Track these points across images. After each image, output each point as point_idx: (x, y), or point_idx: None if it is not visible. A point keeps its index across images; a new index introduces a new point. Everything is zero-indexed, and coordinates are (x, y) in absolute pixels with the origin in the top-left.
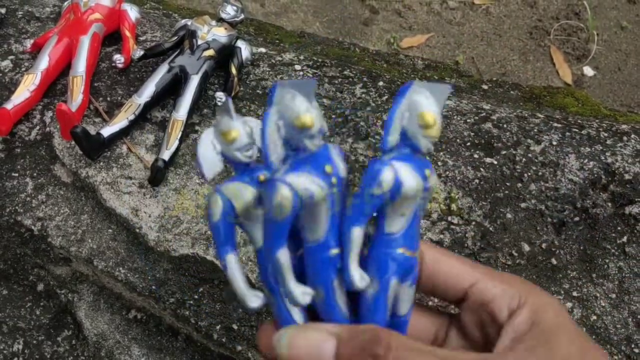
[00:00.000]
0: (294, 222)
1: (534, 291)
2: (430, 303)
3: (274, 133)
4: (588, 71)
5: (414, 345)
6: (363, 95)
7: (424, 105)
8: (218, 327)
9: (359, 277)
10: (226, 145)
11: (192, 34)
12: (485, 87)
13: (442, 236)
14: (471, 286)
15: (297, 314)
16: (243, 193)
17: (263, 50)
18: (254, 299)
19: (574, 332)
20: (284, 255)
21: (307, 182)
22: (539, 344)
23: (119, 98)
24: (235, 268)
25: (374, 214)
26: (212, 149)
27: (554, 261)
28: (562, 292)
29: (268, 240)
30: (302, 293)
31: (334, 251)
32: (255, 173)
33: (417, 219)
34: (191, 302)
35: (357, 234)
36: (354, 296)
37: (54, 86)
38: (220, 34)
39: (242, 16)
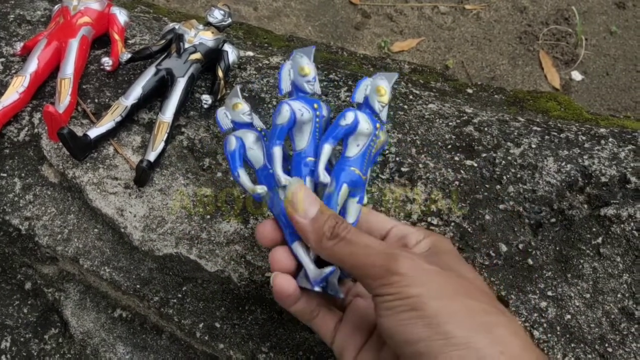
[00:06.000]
0: (288, 133)
1: (433, 233)
2: None
3: (286, 74)
4: (576, 76)
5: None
6: (347, 99)
7: (381, 83)
8: (201, 325)
9: (323, 174)
10: (234, 112)
11: (179, 38)
12: (470, 91)
13: None
14: (392, 228)
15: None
16: (248, 134)
17: (251, 53)
18: (259, 189)
19: (456, 255)
20: (278, 150)
21: (300, 107)
22: (432, 256)
23: (107, 100)
24: (244, 175)
25: (340, 142)
26: (225, 117)
27: (530, 261)
28: (538, 291)
29: (271, 139)
30: (284, 177)
31: (310, 159)
32: (253, 127)
33: (367, 152)
34: (175, 300)
35: (326, 148)
36: (319, 195)
37: (43, 88)
38: (207, 37)
39: (230, 20)
